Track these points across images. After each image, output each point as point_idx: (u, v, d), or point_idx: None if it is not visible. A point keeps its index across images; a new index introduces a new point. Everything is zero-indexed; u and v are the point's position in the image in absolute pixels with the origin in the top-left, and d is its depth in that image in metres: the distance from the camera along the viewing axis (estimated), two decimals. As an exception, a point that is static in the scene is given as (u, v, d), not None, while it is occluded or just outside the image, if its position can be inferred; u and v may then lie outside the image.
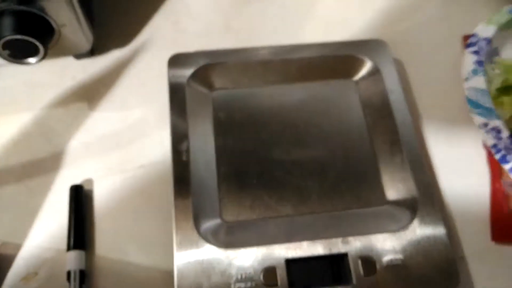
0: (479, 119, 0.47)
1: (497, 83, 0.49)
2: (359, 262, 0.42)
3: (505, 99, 0.49)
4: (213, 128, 0.49)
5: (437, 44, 0.56)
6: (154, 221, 0.46)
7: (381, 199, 0.46)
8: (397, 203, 0.46)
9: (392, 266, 0.42)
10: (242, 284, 0.42)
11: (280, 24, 0.58)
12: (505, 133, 0.45)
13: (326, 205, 0.46)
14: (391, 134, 0.48)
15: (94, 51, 0.53)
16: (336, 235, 0.43)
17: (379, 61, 0.52)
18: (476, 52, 0.50)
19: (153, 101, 0.51)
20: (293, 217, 0.45)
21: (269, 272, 0.42)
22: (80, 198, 0.46)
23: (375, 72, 0.52)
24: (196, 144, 0.47)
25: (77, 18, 0.45)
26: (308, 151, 0.48)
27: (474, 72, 0.48)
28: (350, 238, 0.43)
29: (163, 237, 0.44)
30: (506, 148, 0.44)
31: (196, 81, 0.50)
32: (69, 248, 0.44)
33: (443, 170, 0.49)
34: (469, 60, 0.49)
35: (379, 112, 0.50)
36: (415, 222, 0.44)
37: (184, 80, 0.50)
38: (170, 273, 0.42)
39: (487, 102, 0.47)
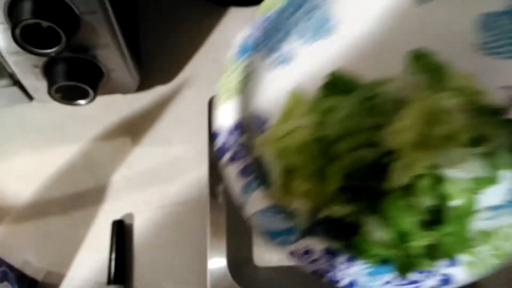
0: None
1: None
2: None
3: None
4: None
5: None
6: (191, 259, 0.48)
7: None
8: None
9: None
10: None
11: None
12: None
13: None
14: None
15: (140, 86, 0.55)
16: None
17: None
18: None
19: (193, 138, 0.53)
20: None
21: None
22: (121, 233, 0.49)
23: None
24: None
25: (125, 62, 0.47)
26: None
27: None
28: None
29: (198, 275, 0.46)
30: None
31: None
32: (109, 282, 0.46)
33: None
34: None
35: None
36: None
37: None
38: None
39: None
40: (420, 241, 0.37)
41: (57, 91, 0.45)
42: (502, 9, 0.40)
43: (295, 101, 0.41)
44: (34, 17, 0.37)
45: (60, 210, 0.50)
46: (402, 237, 0.37)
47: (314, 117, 0.40)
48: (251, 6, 0.58)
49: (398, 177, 0.37)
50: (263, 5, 0.40)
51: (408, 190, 0.38)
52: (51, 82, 0.44)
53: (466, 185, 0.38)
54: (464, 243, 0.37)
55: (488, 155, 0.38)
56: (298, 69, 0.41)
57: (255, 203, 0.37)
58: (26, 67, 0.44)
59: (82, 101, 0.47)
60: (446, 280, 0.36)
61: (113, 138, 0.54)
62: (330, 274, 0.36)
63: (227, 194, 0.47)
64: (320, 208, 0.39)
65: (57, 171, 0.52)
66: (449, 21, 0.41)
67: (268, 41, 0.40)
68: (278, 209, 0.37)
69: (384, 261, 0.36)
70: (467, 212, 0.38)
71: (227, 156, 0.38)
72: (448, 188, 0.38)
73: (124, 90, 0.52)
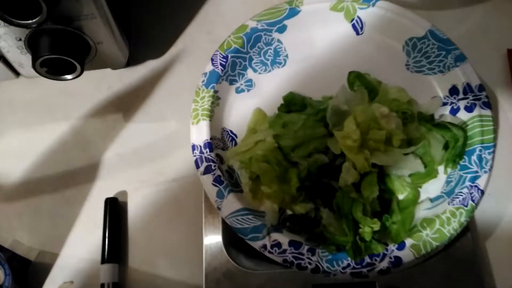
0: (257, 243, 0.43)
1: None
2: (387, 292, 0.42)
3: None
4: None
5: (479, 57, 0.53)
6: (186, 236, 0.47)
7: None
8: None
9: (420, 297, 0.42)
10: (269, 308, 0.42)
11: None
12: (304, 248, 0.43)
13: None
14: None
15: (130, 61, 0.54)
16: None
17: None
18: None
19: (187, 113, 0.51)
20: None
21: (296, 297, 0.43)
22: (114, 211, 0.48)
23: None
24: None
25: (113, 35, 0.45)
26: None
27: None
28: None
29: (193, 252, 0.45)
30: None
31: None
32: (103, 261, 0.45)
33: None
34: None
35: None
36: (447, 251, 0.43)
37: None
38: (199, 289, 0.43)
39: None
40: (369, 227, 0.42)
41: (42, 65, 0.43)
42: (422, 34, 0.49)
43: (258, 118, 0.49)
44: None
45: (52, 189, 0.49)
46: (354, 225, 0.42)
47: (274, 131, 0.46)
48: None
49: (346, 176, 0.43)
50: (222, 45, 0.50)
51: (357, 186, 0.44)
52: (35, 56, 0.42)
53: (408, 181, 0.45)
54: (409, 229, 0.43)
55: (422, 154, 0.45)
56: (258, 93, 0.50)
57: (228, 206, 0.44)
58: (10, 41, 0.43)
59: (68, 76, 0.45)
60: (396, 262, 0.42)
61: (105, 114, 0.53)
62: (297, 262, 0.42)
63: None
64: (285, 208, 0.45)
65: (48, 149, 0.51)
66: (383, 46, 0.51)
67: (228, 74, 0.50)
68: (248, 211, 0.44)
69: (341, 249, 0.42)
70: (411, 203, 0.45)
71: (202, 168, 0.45)
72: (394, 184, 0.45)
73: (113, 65, 0.51)
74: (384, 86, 0.49)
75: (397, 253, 0.42)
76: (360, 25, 0.51)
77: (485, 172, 0.44)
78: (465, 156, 0.45)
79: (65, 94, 0.53)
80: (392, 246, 0.42)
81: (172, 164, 0.50)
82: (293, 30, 0.51)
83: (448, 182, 0.45)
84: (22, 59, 0.45)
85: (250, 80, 0.51)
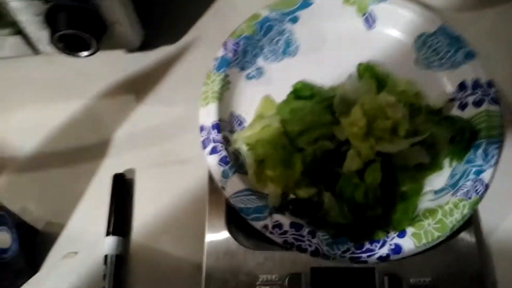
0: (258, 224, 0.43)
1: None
2: (385, 278, 0.42)
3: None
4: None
5: (490, 59, 0.54)
6: (189, 215, 0.48)
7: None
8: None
9: (419, 287, 0.42)
10: (267, 287, 0.43)
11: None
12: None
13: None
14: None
15: (145, 46, 0.55)
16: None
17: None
18: None
19: (197, 98, 0.52)
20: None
21: (294, 278, 0.43)
22: (121, 186, 0.49)
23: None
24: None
25: (129, 16, 0.47)
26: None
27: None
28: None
29: (196, 231, 0.46)
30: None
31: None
32: (108, 233, 0.46)
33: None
34: None
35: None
36: (449, 244, 0.43)
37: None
38: (199, 266, 0.44)
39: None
40: (371, 212, 0.43)
41: (59, 39, 0.44)
42: (433, 30, 0.50)
43: (267, 105, 0.49)
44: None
45: (62, 163, 0.51)
46: (355, 210, 0.43)
47: (281, 116, 0.47)
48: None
49: (351, 163, 0.44)
50: (235, 32, 0.51)
51: (361, 173, 0.44)
52: (53, 30, 0.44)
53: (412, 172, 0.45)
54: (411, 218, 0.43)
55: (428, 146, 0.45)
56: (268, 82, 0.51)
57: (232, 186, 0.44)
58: (28, 15, 0.44)
59: (84, 53, 0.47)
60: (396, 250, 0.42)
61: (117, 95, 0.54)
62: (298, 244, 0.42)
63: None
64: (288, 192, 0.45)
65: (60, 125, 0.52)
66: (393, 41, 0.52)
67: (239, 61, 0.51)
68: (252, 192, 0.44)
69: (341, 233, 0.42)
70: (414, 194, 0.45)
71: (208, 148, 0.46)
72: (398, 174, 0.45)
73: (128, 46, 0.52)
74: (393, 78, 0.49)
75: (397, 240, 0.42)
76: (372, 20, 0.52)
77: (491, 166, 0.44)
78: (471, 150, 0.45)
79: (81, 74, 0.55)
80: (393, 234, 0.42)
81: (180, 147, 0.51)
82: (305, 21, 0.52)
83: (452, 175, 0.45)
84: (40, 34, 0.47)
85: (261, 68, 0.52)
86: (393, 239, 0.42)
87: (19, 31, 0.47)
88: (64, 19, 0.43)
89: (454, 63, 0.49)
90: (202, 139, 0.46)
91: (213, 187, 0.46)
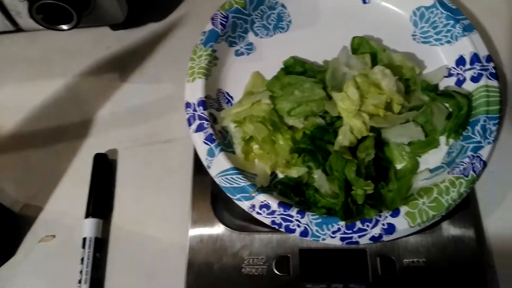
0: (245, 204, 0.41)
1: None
2: (378, 260, 0.40)
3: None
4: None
5: (489, 35, 0.52)
6: (173, 196, 0.46)
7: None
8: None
9: (413, 268, 0.40)
10: (253, 269, 0.40)
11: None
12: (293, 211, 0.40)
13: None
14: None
15: (130, 23, 0.53)
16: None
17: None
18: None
19: (183, 77, 0.50)
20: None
21: (282, 260, 0.41)
22: (103, 167, 0.46)
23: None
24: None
25: (113, -13, 0.45)
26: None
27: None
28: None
29: (180, 212, 0.44)
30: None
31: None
32: (87, 215, 0.44)
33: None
34: None
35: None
36: (445, 224, 0.41)
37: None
38: (183, 249, 0.42)
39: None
40: (362, 190, 0.40)
41: (38, 11, 0.42)
42: (431, 3, 0.48)
43: (256, 81, 0.47)
44: None
45: (43, 143, 0.49)
46: (346, 186, 0.40)
47: (271, 93, 0.45)
48: None
49: (343, 139, 0.42)
50: (224, 5, 0.49)
51: (354, 151, 0.42)
52: (31, 1, 0.42)
53: (407, 150, 0.44)
54: (405, 197, 0.41)
55: (424, 122, 0.43)
56: (258, 58, 0.49)
57: (218, 165, 0.42)
58: (6, -15, 0.42)
59: (65, 26, 0.45)
60: (389, 229, 0.39)
61: (101, 73, 0.52)
62: (286, 224, 0.40)
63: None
64: (278, 171, 0.44)
65: (42, 104, 0.50)
66: (390, 15, 0.50)
67: (228, 36, 0.48)
68: (238, 171, 0.42)
69: (332, 213, 0.40)
70: (409, 172, 0.43)
71: (194, 126, 0.44)
72: (392, 152, 0.44)
73: (112, 20, 0.50)
74: (388, 53, 0.47)
75: (390, 220, 0.39)
76: (368, -7, 0.50)
77: (489, 143, 0.42)
78: (468, 127, 0.43)
79: (64, 51, 0.53)
80: (385, 213, 0.40)
81: (166, 126, 0.49)
82: (298, -5, 0.50)
83: (449, 153, 0.43)
84: (19, 7, 0.45)
85: (251, 44, 0.49)
86: (386, 219, 0.40)
87: (-3, 4, 0.45)
88: (42, -12, 0.41)
89: (451, 37, 0.47)
90: (187, 116, 0.44)
91: (198, 167, 0.44)
